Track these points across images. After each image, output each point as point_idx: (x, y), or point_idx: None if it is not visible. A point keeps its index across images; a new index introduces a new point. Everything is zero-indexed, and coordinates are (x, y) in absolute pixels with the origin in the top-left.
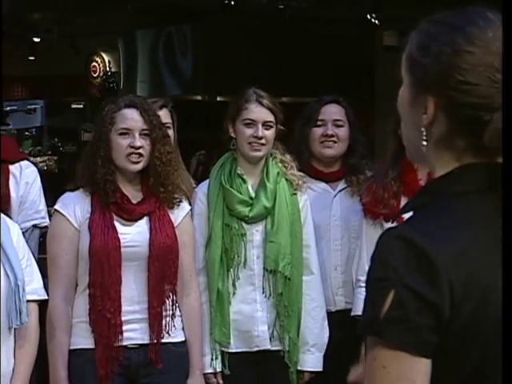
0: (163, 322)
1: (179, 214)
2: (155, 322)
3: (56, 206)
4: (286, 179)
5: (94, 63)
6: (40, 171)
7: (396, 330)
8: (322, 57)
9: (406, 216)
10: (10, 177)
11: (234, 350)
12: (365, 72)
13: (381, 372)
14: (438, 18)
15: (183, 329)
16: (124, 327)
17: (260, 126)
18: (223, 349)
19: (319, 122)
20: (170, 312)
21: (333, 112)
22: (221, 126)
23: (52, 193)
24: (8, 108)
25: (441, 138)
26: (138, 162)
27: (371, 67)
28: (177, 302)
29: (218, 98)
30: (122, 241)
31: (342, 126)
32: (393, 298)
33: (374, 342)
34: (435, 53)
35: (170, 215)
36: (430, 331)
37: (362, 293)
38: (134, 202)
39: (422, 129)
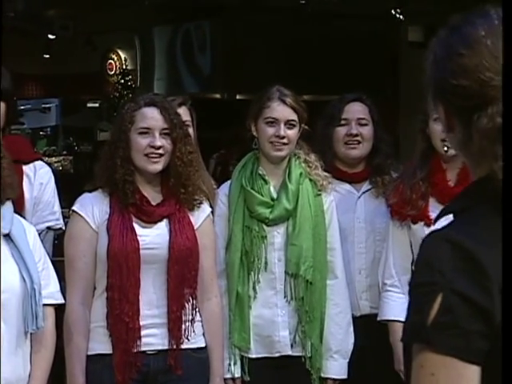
0: (183, 326)
1: (200, 216)
2: (175, 326)
3: (74, 207)
4: (310, 180)
5: (110, 60)
6: (54, 172)
7: (445, 335)
8: (345, 53)
9: (439, 218)
10: (24, 177)
11: (254, 356)
12: (389, 68)
13: (429, 379)
14: (450, 21)
15: (204, 334)
16: (142, 332)
17: (282, 124)
18: (243, 354)
19: (342, 122)
20: (190, 317)
21: (356, 110)
22: (240, 125)
23: (67, 194)
24: (22, 107)
25: (465, 142)
26: (157, 162)
27: (396, 63)
28: (197, 307)
29: (238, 97)
30: (141, 243)
31: (366, 125)
32: (441, 303)
33: (420, 349)
34: (436, 58)
35: (191, 217)
36: (480, 337)
37: (388, 297)
38: (154, 203)
39: (442, 135)
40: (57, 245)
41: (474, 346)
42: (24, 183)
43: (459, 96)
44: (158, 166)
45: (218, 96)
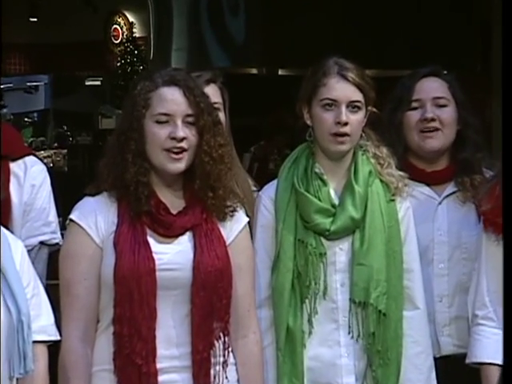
0: (211, 371)
1: (233, 228)
2: (201, 371)
3: (72, 216)
4: (381, 181)
5: (116, 26)
6: (50, 170)
7: None
8: (419, 15)
9: None
10: (11, 177)
11: None
12: (478, 35)
13: None
14: None
15: (238, 381)
16: (160, 378)
17: (344, 107)
18: None
19: (414, 104)
20: (221, 359)
21: (432, 88)
22: (284, 109)
23: (60, 198)
24: (2, 86)
25: None
26: (180, 160)
27: (486, 29)
28: (230, 346)
29: (281, 72)
30: (157, 262)
31: (445, 106)
32: None
33: None
34: None
35: (221, 229)
36: None
37: (479, 333)
38: (174, 211)
39: None
40: (52, 264)
41: None
42: (11, 185)
43: None
44: (181, 165)
45: (255, 71)
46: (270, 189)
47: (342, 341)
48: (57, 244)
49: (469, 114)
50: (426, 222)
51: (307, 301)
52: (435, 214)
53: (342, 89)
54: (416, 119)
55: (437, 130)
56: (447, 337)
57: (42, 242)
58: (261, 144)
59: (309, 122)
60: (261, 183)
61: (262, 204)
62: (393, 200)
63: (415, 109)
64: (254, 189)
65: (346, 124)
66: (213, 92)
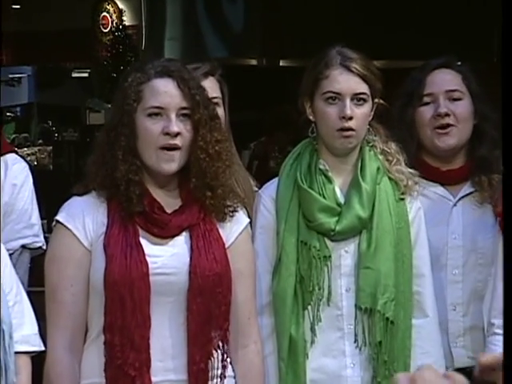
0: None
1: (233, 229)
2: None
3: (58, 217)
4: (390, 178)
5: (105, 13)
6: (32, 169)
7: None
8: (433, 2)
9: None
10: None
11: None
12: (495, 24)
13: None
14: None
15: None
16: None
17: (348, 100)
18: None
19: (426, 98)
20: (219, 371)
21: (444, 80)
22: (286, 103)
23: (45, 199)
24: None
25: None
26: (173, 159)
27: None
28: (229, 357)
29: (282, 63)
30: (150, 266)
31: (459, 100)
32: None
33: None
34: None
35: (220, 231)
36: None
37: (497, 343)
38: (169, 210)
39: None
40: (35, 270)
41: None
42: None
43: None
44: (174, 165)
45: (254, 62)
46: (270, 187)
47: (347, 350)
48: (40, 248)
49: (486, 107)
50: (439, 225)
51: (310, 307)
52: (450, 216)
53: (345, 81)
54: (429, 115)
55: (451, 125)
56: (461, 348)
57: (23, 246)
58: (261, 140)
59: (311, 118)
60: (260, 182)
61: (261, 204)
62: (402, 199)
63: (427, 104)
64: (256, 189)
65: (350, 118)
66: (211, 86)
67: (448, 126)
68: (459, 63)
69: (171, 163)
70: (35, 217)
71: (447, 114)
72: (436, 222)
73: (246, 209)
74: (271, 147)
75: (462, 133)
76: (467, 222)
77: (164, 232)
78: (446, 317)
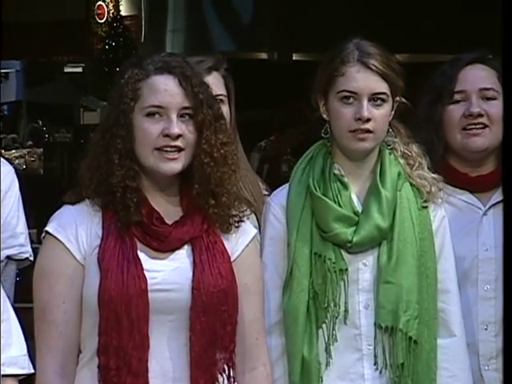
0: None
1: (239, 241)
2: None
3: (48, 228)
4: (412, 184)
5: (100, 2)
6: (18, 173)
7: None
8: None
9: None
10: None
11: None
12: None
13: None
14: None
15: None
16: None
17: (365, 101)
18: None
19: (457, 96)
20: None
21: (478, 77)
22: (299, 100)
23: (34, 207)
24: None
25: None
26: (175, 160)
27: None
28: (236, 381)
29: (295, 57)
30: (149, 282)
31: (494, 99)
32: None
33: None
34: None
35: (225, 243)
36: None
37: None
38: (170, 221)
39: None
40: (22, 283)
41: None
42: None
43: None
44: (176, 165)
45: (264, 56)
46: (280, 194)
47: (366, 374)
48: (26, 259)
49: None
50: (468, 236)
51: (324, 326)
52: (480, 226)
53: (363, 79)
54: (459, 114)
55: (484, 126)
56: (494, 371)
57: (8, 257)
58: (271, 140)
59: (325, 117)
60: (272, 188)
61: (270, 213)
62: (425, 207)
63: (458, 102)
64: (266, 193)
65: (368, 120)
66: (215, 81)
67: (480, 126)
68: (491, 56)
69: (172, 164)
70: (21, 226)
71: (480, 115)
72: (464, 232)
73: (256, 216)
74: (283, 149)
75: (495, 135)
76: (499, 233)
77: (164, 245)
78: (477, 337)
